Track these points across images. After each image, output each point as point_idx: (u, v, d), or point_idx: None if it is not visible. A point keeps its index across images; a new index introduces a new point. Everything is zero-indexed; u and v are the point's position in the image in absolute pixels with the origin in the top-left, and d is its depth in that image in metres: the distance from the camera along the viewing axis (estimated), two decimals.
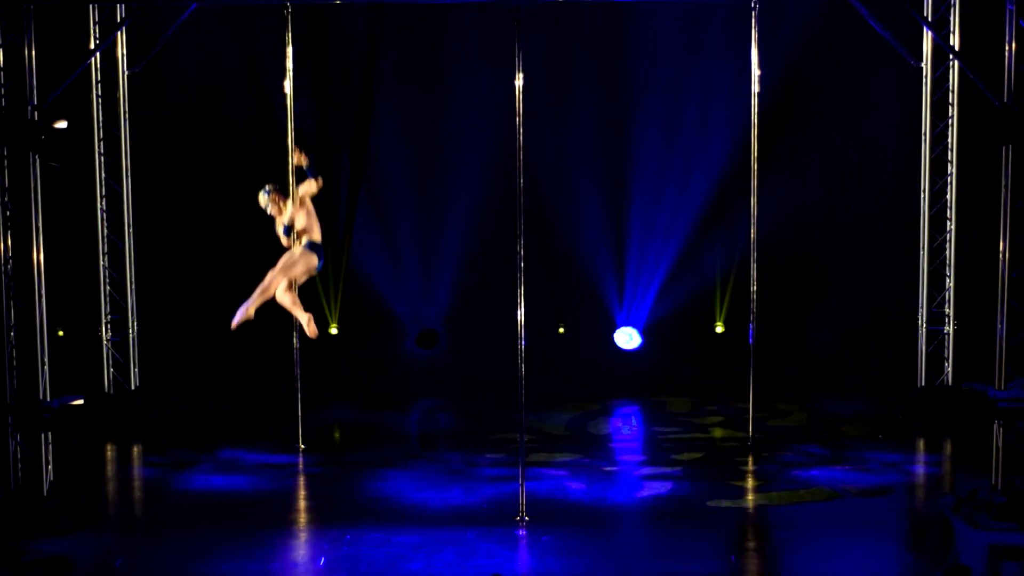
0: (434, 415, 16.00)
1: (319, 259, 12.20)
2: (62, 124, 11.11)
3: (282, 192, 12.24)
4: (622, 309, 17.26)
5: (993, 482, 11.69)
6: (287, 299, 12.21)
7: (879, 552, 10.78)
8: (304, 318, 12.19)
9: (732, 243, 16.96)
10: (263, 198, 12.18)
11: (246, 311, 11.89)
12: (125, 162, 15.40)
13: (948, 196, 15.02)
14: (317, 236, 12.15)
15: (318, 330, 12.30)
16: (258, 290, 11.99)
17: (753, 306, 13.98)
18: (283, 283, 12.13)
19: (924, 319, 15.23)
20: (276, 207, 12.18)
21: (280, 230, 12.15)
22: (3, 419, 11.41)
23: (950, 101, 14.79)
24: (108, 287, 15.43)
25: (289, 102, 13.27)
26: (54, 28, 13.93)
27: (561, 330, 17.11)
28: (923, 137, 15.05)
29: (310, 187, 12.04)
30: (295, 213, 12.11)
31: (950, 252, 15.05)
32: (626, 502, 12.23)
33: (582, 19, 16.65)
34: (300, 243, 12.05)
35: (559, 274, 17.28)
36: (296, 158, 12.17)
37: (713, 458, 13.71)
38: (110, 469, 13.66)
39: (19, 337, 11.51)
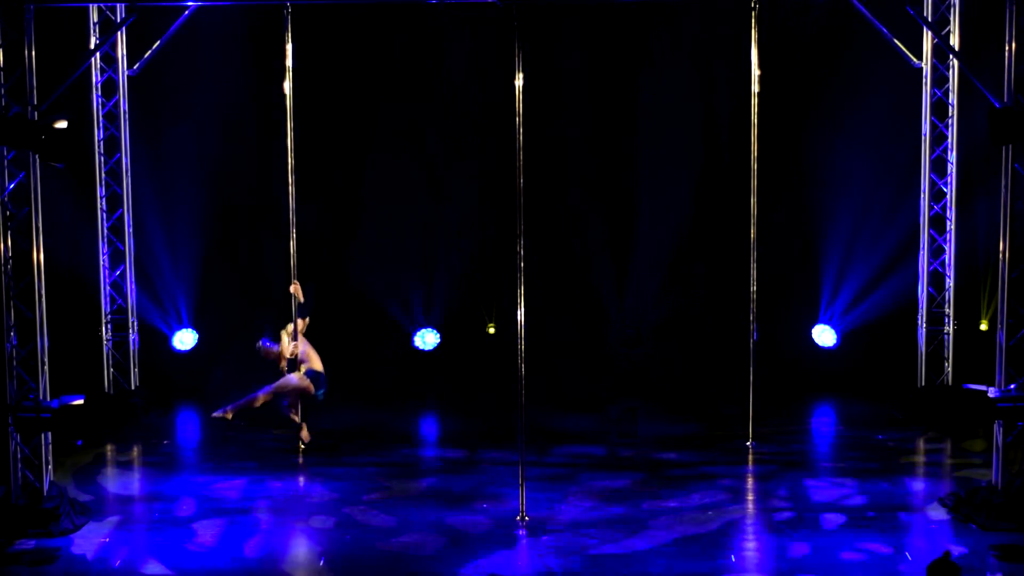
0: (435, 414, 16.01)
1: (318, 387, 12.84)
2: (62, 124, 11.10)
3: (271, 340, 12.95)
4: (623, 309, 17.25)
5: (993, 482, 11.70)
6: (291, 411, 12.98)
7: (878, 552, 10.79)
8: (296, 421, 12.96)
9: (731, 243, 16.95)
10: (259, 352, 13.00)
11: (225, 413, 12.35)
12: (125, 162, 15.39)
13: (948, 196, 15.02)
14: (318, 365, 12.84)
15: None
16: (245, 400, 12.50)
17: (753, 306, 13.98)
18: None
19: (924, 319, 15.23)
20: (270, 355, 12.87)
21: (283, 365, 12.78)
22: (3, 419, 11.41)
23: (950, 101, 14.79)
24: (108, 287, 15.43)
25: (289, 102, 13.26)
26: (54, 28, 13.93)
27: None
28: (923, 137, 15.05)
29: (299, 325, 12.83)
30: (295, 347, 12.79)
31: (950, 252, 15.06)
32: (625, 502, 12.22)
33: (584, 18, 16.64)
34: (300, 370, 12.71)
35: (559, 273, 17.26)
36: (293, 288, 12.89)
37: (712, 459, 13.70)
38: (110, 469, 13.66)
39: (19, 337, 11.51)
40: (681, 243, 17.13)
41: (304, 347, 12.89)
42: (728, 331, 16.74)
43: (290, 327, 12.82)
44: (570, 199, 17.18)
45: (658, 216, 17.09)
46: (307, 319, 13.02)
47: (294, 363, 12.99)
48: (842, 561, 10.61)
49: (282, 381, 12.64)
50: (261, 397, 12.55)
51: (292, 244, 13.30)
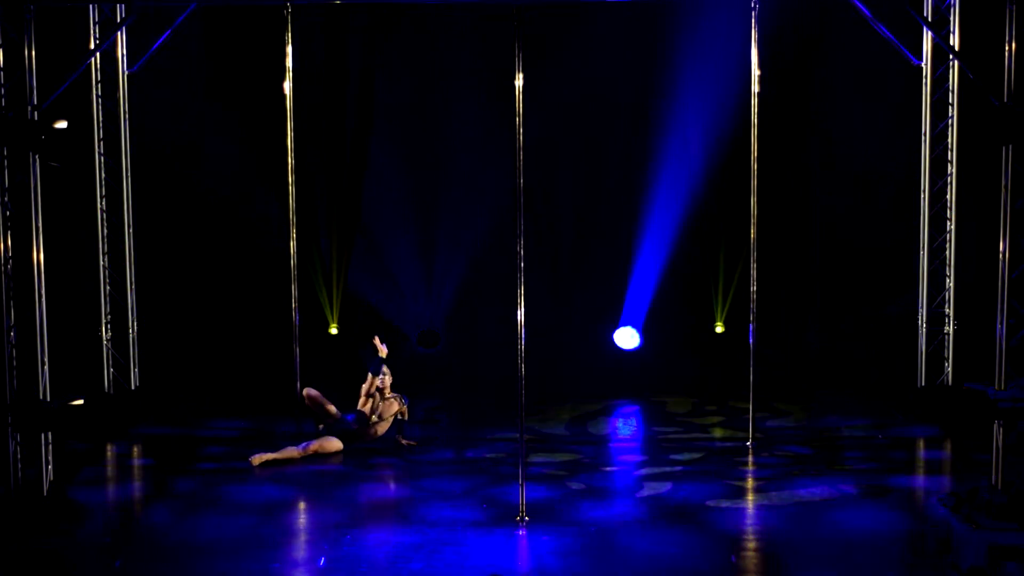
0: (434, 415, 15.99)
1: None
2: (62, 124, 11.11)
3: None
4: (622, 309, 17.25)
5: (993, 482, 11.69)
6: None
7: (879, 552, 10.79)
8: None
9: (732, 242, 16.96)
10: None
11: (262, 456, 13.44)
12: (125, 162, 15.39)
13: (948, 196, 15.02)
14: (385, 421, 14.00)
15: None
16: (281, 453, 13.54)
17: (753, 306, 13.99)
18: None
19: (924, 319, 15.23)
20: (315, 404, 13.96)
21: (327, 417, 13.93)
22: (3, 419, 11.41)
23: (950, 101, 14.79)
24: (108, 287, 15.42)
25: (288, 103, 13.27)
26: (54, 28, 13.93)
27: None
28: (923, 137, 15.05)
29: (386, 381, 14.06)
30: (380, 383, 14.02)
31: (950, 252, 15.05)
32: (625, 502, 12.23)
33: (586, 18, 16.66)
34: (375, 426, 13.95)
35: (560, 273, 17.27)
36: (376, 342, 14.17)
37: (713, 458, 13.71)
38: (110, 469, 13.66)
39: (19, 337, 11.51)
40: (682, 241, 17.15)
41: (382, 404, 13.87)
42: (729, 330, 16.76)
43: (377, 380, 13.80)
44: (570, 199, 17.20)
45: (658, 214, 17.11)
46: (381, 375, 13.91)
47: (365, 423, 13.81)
48: (841, 561, 10.61)
49: (323, 442, 13.58)
50: (297, 453, 13.51)
51: (292, 244, 13.31)
